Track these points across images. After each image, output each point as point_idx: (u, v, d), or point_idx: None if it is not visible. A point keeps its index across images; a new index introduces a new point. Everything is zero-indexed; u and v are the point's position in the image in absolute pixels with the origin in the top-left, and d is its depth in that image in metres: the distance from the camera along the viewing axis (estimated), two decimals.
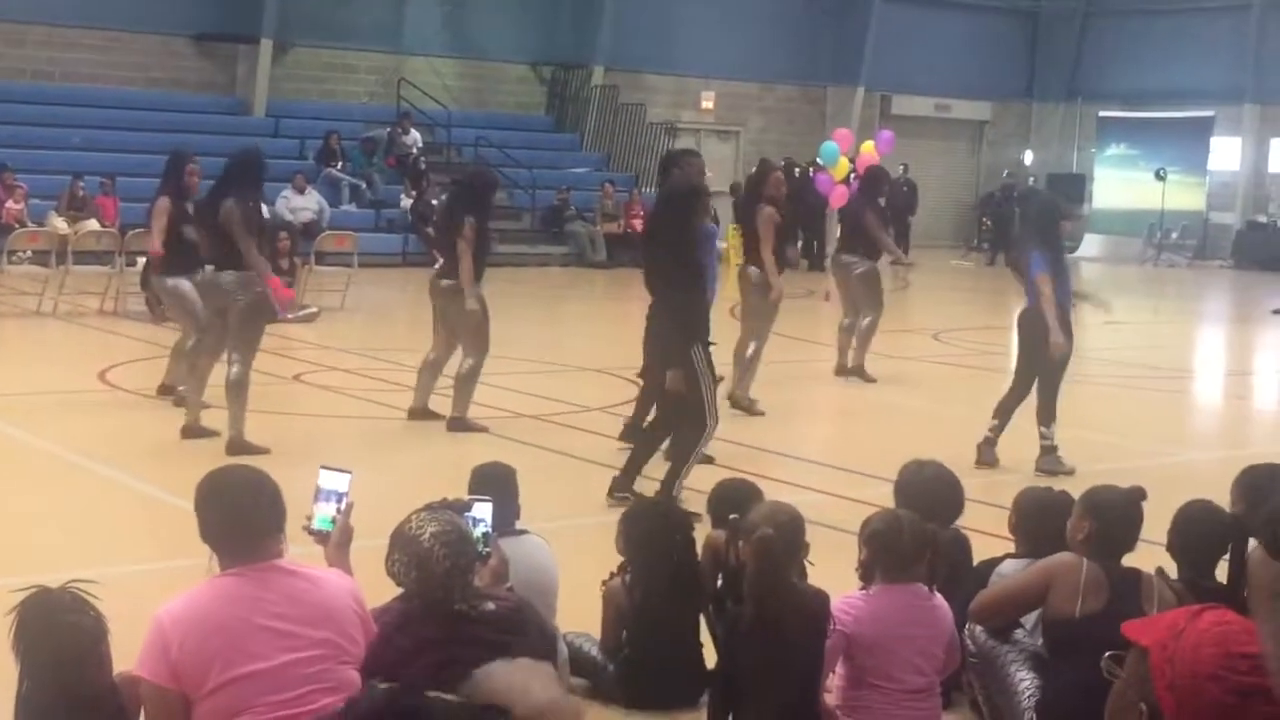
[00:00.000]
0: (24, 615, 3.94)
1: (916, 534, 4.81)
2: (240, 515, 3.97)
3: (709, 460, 8.74)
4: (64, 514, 8.15)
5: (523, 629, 4.28)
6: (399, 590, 4.32)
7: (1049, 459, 9.57)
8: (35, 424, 10.24)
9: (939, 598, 4.88)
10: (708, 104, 31.53)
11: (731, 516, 5.08)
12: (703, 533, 5.54)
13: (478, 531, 4.67)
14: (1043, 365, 9.54)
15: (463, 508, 4.70)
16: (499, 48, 28.48)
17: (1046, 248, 9.48)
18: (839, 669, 4.82)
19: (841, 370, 13.45)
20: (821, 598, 4.71)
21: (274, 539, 4.01)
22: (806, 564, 4.97)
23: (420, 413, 10.69)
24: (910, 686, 4.78)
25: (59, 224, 20.15)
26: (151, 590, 5.68)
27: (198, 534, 4.07)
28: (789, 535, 4.75)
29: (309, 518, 4.41)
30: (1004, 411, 9.75)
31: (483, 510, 4.83)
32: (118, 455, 9.43)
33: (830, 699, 4.84)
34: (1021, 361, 9.77)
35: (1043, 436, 9.63)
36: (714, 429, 8.36)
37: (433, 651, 4.12)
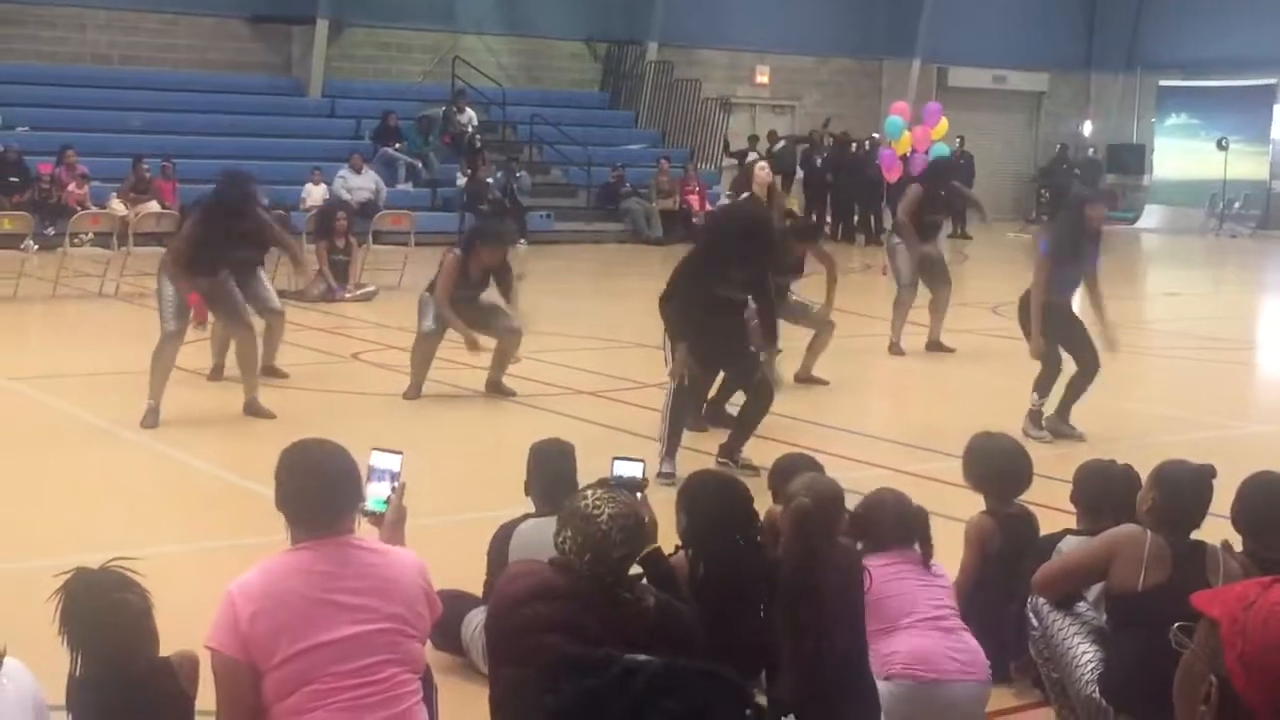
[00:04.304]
0: (70, 595, 3.93)
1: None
2: (320, 489, 3.95)
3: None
4: (127, 493, 8.26)
5: (679, 638, 4.13)
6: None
7: (1030, 419, 9.71)
8: (98, 403, 10.33)
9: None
10: (763, 78, 31.34)
11: None
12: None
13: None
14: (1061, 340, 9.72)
15: (636, 485, 4.70)
16: (553, 25, 28.43)
17: (1065, 237, 9.74)
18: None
19: (934, 346, 13.48)
20: (851, 551, 4.83)
21: (348, 515, 4.01)
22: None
23: (495, 386, 10.93)
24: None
25: (118, 206, 20.31)
26: (213, 568, 5.73)
27: (266, 506, 4.08)
28: (827, 507, 4.73)
29: (362, 499, 4.42)
30: (1043, 387, 9.81)
31: (632, 469, 4.89)
32: (180, 434, 9.51)
33: None
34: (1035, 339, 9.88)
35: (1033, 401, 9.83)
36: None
37: (572, 633, 3.99)
